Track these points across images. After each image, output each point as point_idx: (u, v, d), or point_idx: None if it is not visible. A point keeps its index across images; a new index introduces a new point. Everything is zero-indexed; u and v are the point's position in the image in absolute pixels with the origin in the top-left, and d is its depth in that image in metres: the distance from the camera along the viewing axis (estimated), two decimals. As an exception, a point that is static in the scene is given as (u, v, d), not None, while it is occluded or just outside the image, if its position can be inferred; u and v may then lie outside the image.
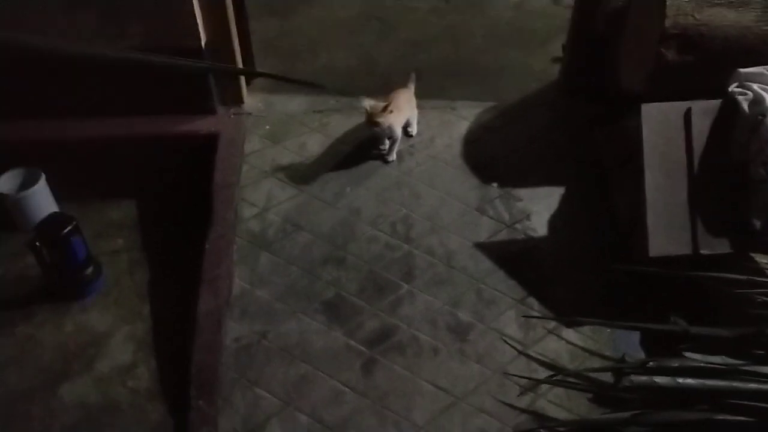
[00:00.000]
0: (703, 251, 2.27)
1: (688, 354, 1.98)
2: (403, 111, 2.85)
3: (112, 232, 2.81)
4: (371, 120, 2.73)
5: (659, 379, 1.92)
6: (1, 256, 2.70)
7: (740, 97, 2.30)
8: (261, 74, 3.17)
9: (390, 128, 2.78)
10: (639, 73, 2.57)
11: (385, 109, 2.72)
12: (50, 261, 2.47)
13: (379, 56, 3.43)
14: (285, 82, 3.07)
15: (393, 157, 2.86)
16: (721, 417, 1.88)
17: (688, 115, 2.34)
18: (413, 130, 2.98)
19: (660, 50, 2.39)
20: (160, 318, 2.50)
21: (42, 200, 2.71)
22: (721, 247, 2.28)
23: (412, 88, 2.96)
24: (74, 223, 2.41)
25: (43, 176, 2.70)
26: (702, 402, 1.93)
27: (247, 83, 3.12)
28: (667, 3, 2.38)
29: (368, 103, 2.74)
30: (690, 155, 2.32)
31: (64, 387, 2.28)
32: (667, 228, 2.29)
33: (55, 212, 2.64)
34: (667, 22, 2.38)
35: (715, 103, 2.35)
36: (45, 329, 2.46)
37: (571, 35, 3.04)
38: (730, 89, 2.36)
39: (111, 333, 2.44)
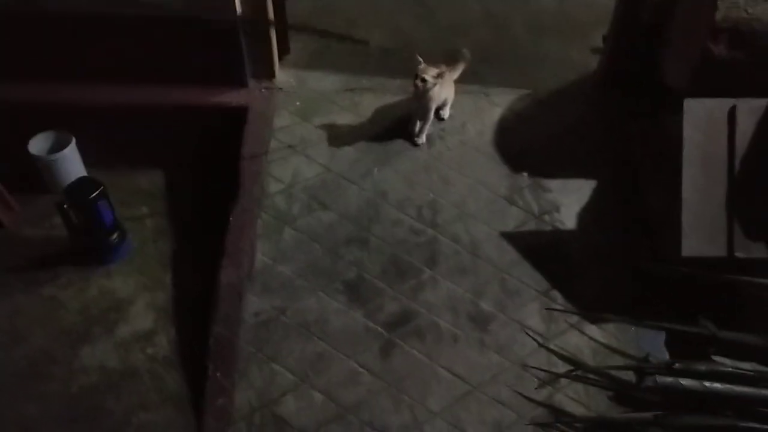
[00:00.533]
0: (738, 254, 2.20)
1: (716, 358, 1.93)
2: (445, 89, 2.80)
3: (139, 200, 2.83)
4: (420, 74, 2.63)
5: (685, 382, 1.87)
6: (29, 216, 2.73)
7: (789, 97, 2.22)
8: (302, 28, 3.09)
9: (429, 98, 2.71)
10: (684, 68, 2.49)
11: (438, 75, 2.66)
12: (77, 224, 2.49)
13: (416, 38, 3.37)
14: (326, 36, 3.00)
15: (423, 139, 2.82)
16: (746, 424, 1.83)
17: (732, 113, 2.26)
18: (446, 113, 2.92)
19: (708, 45, 2.31)
20: (181, 288, 2.51)
21: (71, 164, 2.73)
22: (757, 251, 2.21)
23: (458, 71, 2.89)
24: (102, 188, 2.43)
25: (74, 140, 2.72)
26: (727, 408, 1.87)
27: (280, 59, 3.10)
28: (719, -5, 2.30)
29: (422, 61, 2.68)
30: (732, 155, 2.24)
31: (85, 349, 2.31)
32: (702, 228, 2.22)
33: (84, 176, 2.66)
34: (718, 16, 2.30)
35: (762, 103, 2.27)
36: (69, 291, 2.49)
37: (614, 26, 2.95)
38: (779, 88, 2.28)
39: (133, 299, 2.47)
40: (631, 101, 2.93)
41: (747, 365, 1.89)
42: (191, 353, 2.28)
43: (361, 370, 2.18)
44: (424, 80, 2.63)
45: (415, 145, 2.82)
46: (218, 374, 2.14)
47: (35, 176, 2.72)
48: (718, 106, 2.28)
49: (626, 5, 2.84)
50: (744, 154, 2.24)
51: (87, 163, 2.80)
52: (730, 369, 1.88)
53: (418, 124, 2.82)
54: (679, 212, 2.23)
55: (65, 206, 2.44)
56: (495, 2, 3.66)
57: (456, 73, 2.88)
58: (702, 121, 2.26)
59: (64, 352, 2.31)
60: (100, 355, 2.30)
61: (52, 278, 2.53)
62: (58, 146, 2.71)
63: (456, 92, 2.93)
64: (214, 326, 2.24)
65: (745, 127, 2.25)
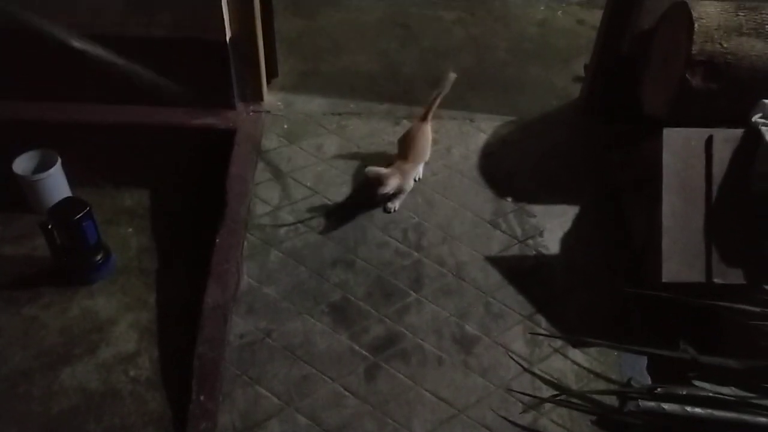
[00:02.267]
0: (716, 280, 2.25)
1: (697, 382, 1.96)
2: (418, 158, 2.68)
3: (124, 220, 2.81)
4: (378, 181, 2.52)
5: (667, 406, 1.89)
6: (12, 236, 2.70)
7: (763, 128, 2.29)
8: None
9: (400, 186, 2.60)
10: (662, 97, 2.57)
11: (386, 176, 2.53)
12: (60, 244, 2.47)
13: (401, 63, 3.44)
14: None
15: (395, 207, 2.68)
16: (726, 449, 1.86)
17: (709, 143, 2.33)
18: (420, 173, 2.78)
19: (685, 76, 2.38)
20: (165, 308, 2.49)
21: (56, 184, 2.71)
22: (734, 277, 2.26)
23: (428, 122, 2.74)
24: (88, 208, 2.41)
25: (59, 160, 2.71)
26: (707, 432, 1.90)
27: (268, 82, 3.13)
28: (695, 29, 2.38)
29: (371, 170, 2.55)
30: (709, 183, 2.30)
31: (65, 371, 2.28)
32: (681, 254, 2.27)
33: (70, 197, 2.64)
34: (694, 48, 2.38)
35: (737, 132, 2.34)
36: (50, 311, 2.46)
37: (596, 55, 3.03)
38: (753, 119, 2.35)
39: (115, 320, 2.44)
40: (613, 128, 3.00)
41: (726, 390, 1.93)
42: (175, 375, 2.26)
43: (345, 393, 2.18)
44: (384, 183, 2.53)
45: (386, 211, 2.68)
46: (202, 397, 2.12)
47: (18, 195, 2.70)
48: (696, 135, 2.35)
49: (607, 36, 2.92)
50: (720, 182, 2.31)
51: (72, 182, 2.78)
52: (710, 393, 1.91)
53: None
54: (659, 238, 2.28)
55: (49, 226, 2.42)
56: (477, 27, 3.75)
57: (425, 129, 2.72)
58: (680, 149, 2.33)
59: (44, 373, 2.27)
60: (81, 376, 2.27)
61: (33, 298, 2.49)
62: (44, 166, 2.69)
63: (440, 118, 2.96)
64: (198, 347, 2.23)
65: (722, 155, 2.32)
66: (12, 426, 2.13)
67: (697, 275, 2.27)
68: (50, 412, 2.17)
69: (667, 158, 2.31)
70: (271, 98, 3.12)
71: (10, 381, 2.24)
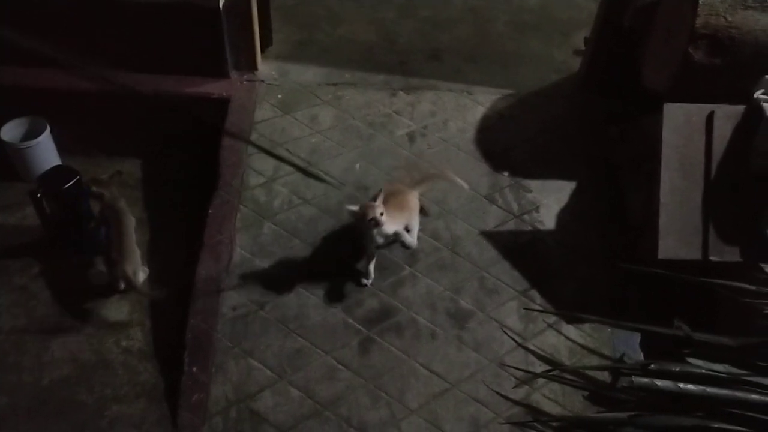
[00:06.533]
0: (712, 258, 2.24)
1: (691, 359, 1.96)
2: (404, 211, 2.34)
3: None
4: (372, 214, 2.16)
5: (660, 383, 1.90)
6: (0, 204, 2.66)
7: (766, 105, 2.26)
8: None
9: (383, 229, 2.22)
10: (663, 72, 2.52)
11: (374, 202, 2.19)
12: (51, 213, 2.43)
13: (398, 33, 3.37)
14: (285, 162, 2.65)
15: (412, 244, 2.43)
16: (717, 425, 1.87)
17: (710, 119, 2.29)
18: (413, 241, 2.42)
19: (688, 50, 2.34)
20: (157, 279, 2.46)
21: (46, 152, 2.66)
22: (731, 255, 2.25)
23: (416, 192, 2.45)
24: (78, 177, 2.37)
25: (48, 127, 2.65)
26: (699, 408, 1.91)
27: (262, 51, 3.06)
28: (700, 2, 2.33)
29: (354, 208, 2.20)
30: (709, 159, 2.28)
31: (56, 341, 2.26)
32: (678, 231, 2.26)
33: (59, 165, 2.60)
34: (698, 22, 2.33)
35: (739, 109, 2.31)
36: (41, 282, 2.43)
37: (597, 28, 2.98)
38: (755, 95, 2.32)
39: (107, 291, 2.41)
40: (612, 103, 2.96)
41: (720, 367, 1.93)
42: (167, 346, 2.25)
43: (339, 365, 2.17)
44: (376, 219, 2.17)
45: (406, 247, 2.43)
46: (194, 368, 2.12)
47: (7, 164, 2.65)
48: (697, 110, 2.31)
49: (608, 9, 2.86)
50: (720, 159, 2.28)
51: (62, 150, 2.73)
52: (704, 371, 1.92)
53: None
54: (656, 214, 2.27)
55: (38, 195, 2.38)
56: (477, -2, 3.67)
57: (413, 194, 2.42)
58: (680, 125, 2.29)
59: (35, 343, 2.25)
60: (72, 347, 2.25)
61: (24, 268, 2.46)
62: (32, 133, 2.64)
63: (438, 89, 2.91)
64: (191, 319, 2.22)
65: (722, 132, 2.29)
66: (2, 396, 2.12)
67: (693, 252, 2.25)
68: (41, 382, 2.16)
69: (667, 134, 2.28)
70: (265, 67, 3.06)
71: (1, 351, 2.23)
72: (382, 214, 2.17)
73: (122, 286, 2.33)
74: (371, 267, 2.36)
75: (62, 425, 2.06)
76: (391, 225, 2.25)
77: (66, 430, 2.05)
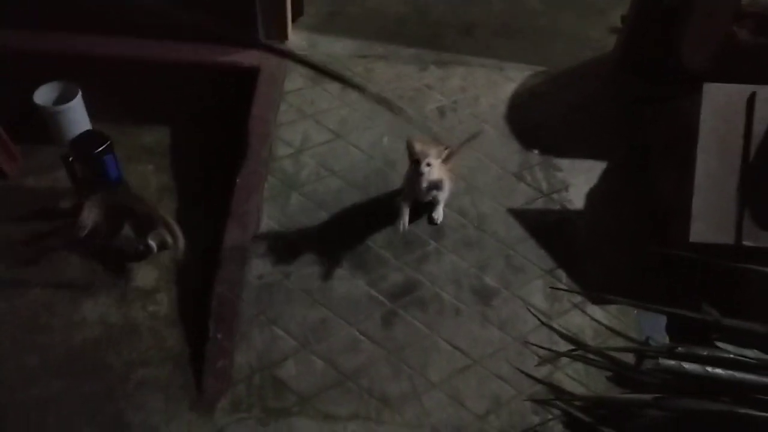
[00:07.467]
0: (746, 242, 2.19)
1: (719, 344, 1.93)
2: (443, 171, 2.34)
3: (144, 157, 2.79)
4: (423, 159, 2.22)
5: (688, 366, 1.87)
6: (33, 167, 2.70)
7: (810, 87, 2.19)
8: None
9: (439, 181, 2.32)
10: (704, 51, 2.45)
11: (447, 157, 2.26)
12: (82, 177, 2.46)
13: (430, 6, 3.32)
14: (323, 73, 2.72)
15: (440, 217, 2.45)
16: (744, 411, 1.84)
17: (751, 100, 2.23)
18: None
19: (732, 29, 2.27)
20: (185, 247, 2.48)
21: (77, 116, 2.69)
22: (765, 240, 2.20)
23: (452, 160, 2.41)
24: (109, 142, 2.39)
25: (80, 92, 2.67)
26: (726, 394, 1.88)
27: (293, 20, 3.04)
28: (746, -21, 2.25)
29: (418, 144, 2.25)
30: (748, 142, 2.22)
31: (86, 303, 2.30)
32: (711, 215, 2.21)
33: (90, 129, 2.62)
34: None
35: (782, 91, 2.24)
36: (71, 244, 2.46)
37: (635, 6, 2.90)
38: (799, 77, 2.24)
39: (135, 255, 2.44)
40: (647, 84, 2.89)
41: (750, 352, 1.90)
42: (193, 313, 2.28)
43: (362, 337, 2.18)
44: (429, 164, 2.24)
45: (432, 223, 2.45)
46: (219, 335, 2.14)
47: (40, 127, 2.68)
48: (737, 91, 2.25)
49: (649, -15, 2.78)
50: (760, 142, 2.22)
51: (92, 116, 2.75)
52: (733, 355, 1.89)
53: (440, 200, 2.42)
54: (689, 197, 2.22)
55: (70, 159, 2.41)
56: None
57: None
58: (720, 106, 2.23)
59: (65, 305, 2.30)
60: (102, 309, 2.29)
61: (54, 231, 2.50)
62: (65, 98, 2.66)
63: (469, 65, 2.87)
64: (216, 287, 2.24)
65: (764, 114, 2.22)
66: (34, 355, 2.16)
67: (726, 237, 2.21)
68: (71, 342, 2.20)
69: (706, 115, 2.22)
70: (295, 38, 3.03)
71: (32, 311, 2.27)
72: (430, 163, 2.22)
73: (155, 249, 2.36)
74: (406, 213, 2.32)
75: (92, 385, 2.10)
76: (436, 173, 2.28)
77: (95, 391, 2.09)
